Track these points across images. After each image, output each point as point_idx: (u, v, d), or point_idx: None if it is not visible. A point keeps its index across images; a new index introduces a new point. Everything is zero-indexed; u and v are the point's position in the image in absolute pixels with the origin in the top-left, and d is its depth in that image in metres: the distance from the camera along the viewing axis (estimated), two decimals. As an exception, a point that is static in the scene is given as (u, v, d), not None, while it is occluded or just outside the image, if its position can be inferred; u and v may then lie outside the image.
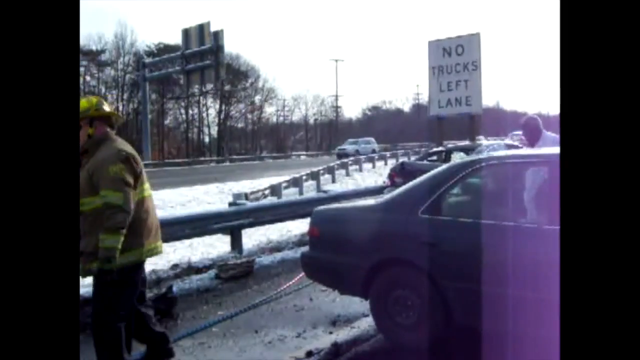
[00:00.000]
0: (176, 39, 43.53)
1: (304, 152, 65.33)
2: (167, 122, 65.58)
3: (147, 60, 41.16)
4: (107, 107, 3.93)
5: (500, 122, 70.72)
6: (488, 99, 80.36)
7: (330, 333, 4.87)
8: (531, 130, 8.79)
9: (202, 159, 53.21)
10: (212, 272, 7.26)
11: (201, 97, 63.41)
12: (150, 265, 7.68)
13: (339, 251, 4.78)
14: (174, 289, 6.14)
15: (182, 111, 66.50)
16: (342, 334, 4.82)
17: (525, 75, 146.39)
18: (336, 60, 76.76)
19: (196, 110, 67.36)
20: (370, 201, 5.16)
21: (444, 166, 4.79)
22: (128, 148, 3.82)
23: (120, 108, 58.45)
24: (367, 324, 4.96)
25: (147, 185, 3.93)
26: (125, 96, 59.41)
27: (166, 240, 7.66)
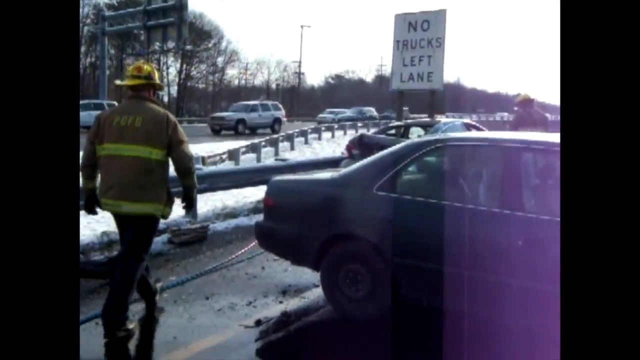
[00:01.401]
0: (139, -7, 42.35)
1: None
2: (125, 78, 64.07)
3: (107, 13, 39.88)
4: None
5: (460, 98, 71.55)
6: (450, 75, 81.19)
7: (281, 302, 4.94)
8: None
9: (160, 118, 52.26)
10: (165, 237, 7.22)
11: (162, 55, 61.85)
12: (103, 227, 7.60)
13: (292, 223, 4.81)
14: (126, 252, 6.09)
15: (142, 68, 65.00)
16: (292, 304, 4.90)
17: (485, 53, 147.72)
18: (302, 27, 76.00)
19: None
20: (326, 174, 5.19)
21: (401, 144, 4.84)
22: None
23: (77, 61, 56.72)
24: (317, 294, 5.04)
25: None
26: (82, 49, 57.63)
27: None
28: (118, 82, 4.38)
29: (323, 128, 32.53)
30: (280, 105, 38.62)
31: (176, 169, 4.32)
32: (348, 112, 48.12)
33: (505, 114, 48.92)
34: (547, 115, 9.45)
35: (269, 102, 38.55)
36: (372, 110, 48.50)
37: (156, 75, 4.50)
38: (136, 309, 4.72)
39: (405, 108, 42.95)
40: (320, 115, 48.35)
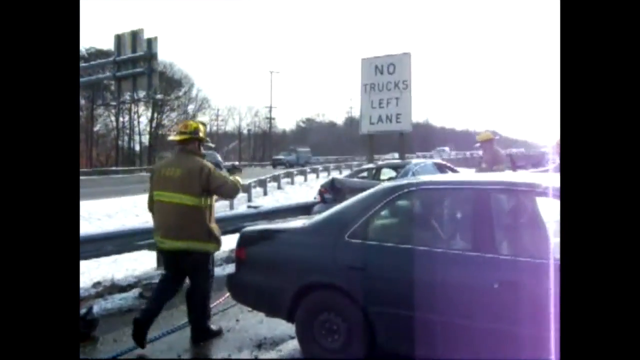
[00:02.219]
0: (108, 44, 42.36)
1: (237, 163, 64.70)
2: (96, 128, 63.64)
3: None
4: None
5: (429, 137, 72.59)
6: (418, 116, 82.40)
7: (256, 357, 4.81)
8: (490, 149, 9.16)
9: (132, 167, 51.92)
10: (136, 291, 7.06)
11: (133, 105, 61.82)
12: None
13: (265, 274, 4.74)
14: (95, 309, 5.93)
15: (113, 118, 64.73)
16: (267, 357, 4.77)
17: (452, 92, 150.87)
18: (271, 72, 76.88)
19: (127, 118, 65.75)
20: (297, 222, 5.15)
21: (371, 190, 4.83)
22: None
23: (46, 113, 56.31)
24: (292, 346, 4.93)
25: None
26: (52, 101, 57.33)
27: (90, 256, 7.43)
28: (170, 137, 5.40)
29: (295, 172, 32.63)
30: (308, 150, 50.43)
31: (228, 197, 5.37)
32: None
33: (477, 152, 49.89)
34: (502, 151, 9.86)
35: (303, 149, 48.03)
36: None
37: (202, 130, 5.23)
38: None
39: (306, 149, 46.76)
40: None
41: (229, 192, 5.18)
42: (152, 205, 5.26)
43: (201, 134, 5.20)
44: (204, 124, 5.46)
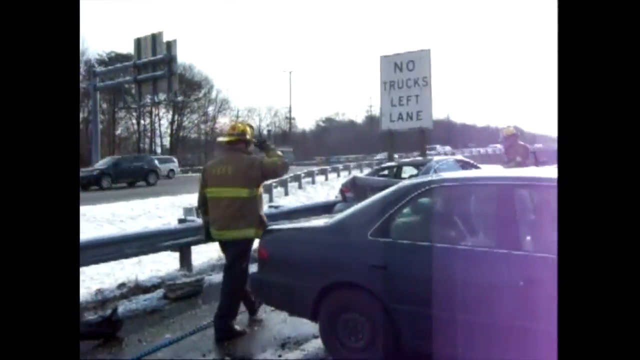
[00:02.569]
0: (128, 48, 42.91)
1: (264, 132, 65.07)
2: (118, 132, 64.31)
3: (98, 69, 40.33)
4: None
5: (450, 134, 72.12)
6: (439, 112, 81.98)
7: (280, 356, 4.81)
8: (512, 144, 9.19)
9: (154, 170, 52.33)
10: (160, 292, 7.11)
11: (153, 107, 62.36)
12: (97, 284, 7.50)
13: (288, 273, 4.74)
14: (119, 310, 5.98)
15: (134, 121, 65.37)
16: (292, 357, 4.77)
17: (473, 89, 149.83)
18: (290, 72, 77.17)
19: (148, 121, 66.36)
20: (320, 222, 5.14)
21: (393, 188, 4.80)
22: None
23: (69, 117, 56.99)
24: (316, 346, 4.92)
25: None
26: (74, 105, 57.98)
27: (114, 258, 7.52)
28: (219, 139, 6.03)
29: (316, 172, 32.64)
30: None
31: (274, 169, 5.57)
32: None
33: (498, 145, 49.42)
34: (528, 146, 9.83)
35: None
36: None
37: (249, 132, 5.75)
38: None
39: (288, 149, 42.46)
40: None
41: (282, 171, 5.72)
42: (202, 202, 5.74)
43: (248, 136, 5.72)
44: (251, 127, 5.98)
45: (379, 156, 49.56)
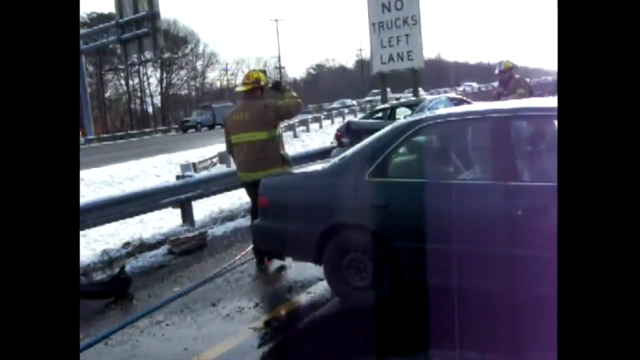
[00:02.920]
0: (109, 7, 41.95)
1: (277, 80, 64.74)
2: (107, 94, 63.73)
3: (82, 31, 39.66)
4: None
5: (442, 73, 71.48)
6: (429, 52, 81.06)
7: (287, 300, 4.92)
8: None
9: (147, 130, 52.12)
10: (165, 248, 7.20)
11: (141, 67, 61.53)
12: (102, 245, 7.58)
13: (289, 219, 4.79)
14: (127, 268, 6.08)
15: (123, 82, 64.73)
16: (299, 300, 4.88)
17: (463, 25, 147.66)
18: (276, 20, 75.85)
19: (137, 81, 65.64)
20: (317, 167, 5.17)
21: (387, 128, 4.81)
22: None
23: (57, 83, 56.34)
24: (322, 288, 5.03)
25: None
26: (60, 70, 57.17)
27: (116, 219, 7.59)
28: (237, 89, 6.59)
29: (310, 119, 32.54)
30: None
31: (287, 109, 5.92)
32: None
33: (495, 83, 49.08)
34: (527, 79, 9.70)
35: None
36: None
37: (262, 77, 6.04)
38: (143, 324, 4.71)
39: (227, 104, 40.15)
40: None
41: (296, 111, 6.07)
42: (230, 148, 6.19)
43: (262, 82, 6.02)
44: (264, 71, 6.33)
45: (368, 97, 49.60)
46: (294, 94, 6.09)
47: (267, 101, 5.93)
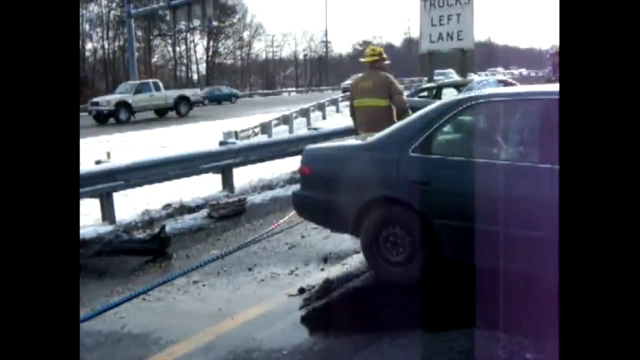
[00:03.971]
0: (161, -26, 42.25)
1: (294, 89, 64.87)
2: (154, 59, 64.39)
3: (131, -5, 40.06)
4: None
5: (491, 57, 70.06)
6: (480, 34, 79.36)
7: (322, 270, 4.96)
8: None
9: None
10: (204, 212, 7.31)
11: (188, 34, 61.99)
12: (143, 205, 7.73)
13: (330, 190, 4.80)
14: (167, 228, 6.20)
15: (170, 48, 65.31)
16: (334, 271, 4.91)
17: (517, 9, 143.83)
18: (326, -6, 75.27)
19: (184, 47, 66.20)
20: (361, 139, 5.15)
21: (435, 104, 4.76)
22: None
23: (106, 46, 57.31)
24: (358, 260, 5.05)
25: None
26: (110, 34, 58.05)
27: (157, 180, 7.72)
28: (362, 59, 7.06)
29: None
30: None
31: (396, 111, 6.56)
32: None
33: (546, 70, 47.85)
34: None
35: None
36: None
37: (382, 52, 7.00)
38: (180, 283, 4.81)
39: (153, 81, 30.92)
40: (345, 84, 46.27)
41: (402, 103, 6.61)
42: (353, 111, 7.01)
43: (384, 55, 6.95)
44: (381, 48, 7.26)
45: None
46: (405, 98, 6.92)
47: (389, 76, 6.76)
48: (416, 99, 11.78)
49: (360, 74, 7.44)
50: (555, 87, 4.81)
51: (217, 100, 46.87)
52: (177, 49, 65.60)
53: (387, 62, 7.15)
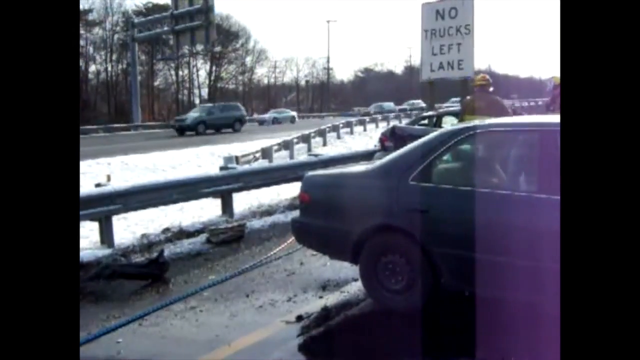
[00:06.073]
0: (165, -1, 42.80)
1: (296, 114, 65.19)
2: (157, 83, 64.66)
3: (136, 20, 40.49)
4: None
5: (492, 85, 70.30)
6: (480, 63, 79.97)
7: (321, 297, 4.93)
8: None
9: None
10: (203, 236, 7.30)
11: (191, 58, 62.42)
12: (142, 229, 7.73)
13: (329, 217, 4.80)
14: (165, 253, 6.18)
15: (172, 72, 65.55)
16: (332, 298, 4.88)
17: (516, 39, 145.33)
18: (328, 21, 76.17)
19: (186, 72, 66.54)
20: (360, 167, 5.17)
21: (435, 133, 4.78)
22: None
23: (109, 69, 57.57)
24: (356, 288, 5.02)
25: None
26: (114, 57, 58.42)
27: (157, 204, 7.73)
28: (475, 83, 8.38)
29: (354, 122, 32.48)
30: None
31: None
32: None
33: (545, 99, 48.05)
34: None
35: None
36: (391, 105, 51.00)
37: (488, 78, 8.30)
38: (177, 308, 4.78)
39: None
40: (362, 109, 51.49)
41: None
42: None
43: (489, 81, 8.19)
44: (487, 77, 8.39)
45: (405, 105, 50.37)
46: None
47: (497, 99, 7.97)
48: (416, 127, 11.82)
49: (468, 97, 8.90)
50: (553, 117, 4.85)
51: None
52: (180, 73, 65.97)
53: (491, 88, 8.20)
